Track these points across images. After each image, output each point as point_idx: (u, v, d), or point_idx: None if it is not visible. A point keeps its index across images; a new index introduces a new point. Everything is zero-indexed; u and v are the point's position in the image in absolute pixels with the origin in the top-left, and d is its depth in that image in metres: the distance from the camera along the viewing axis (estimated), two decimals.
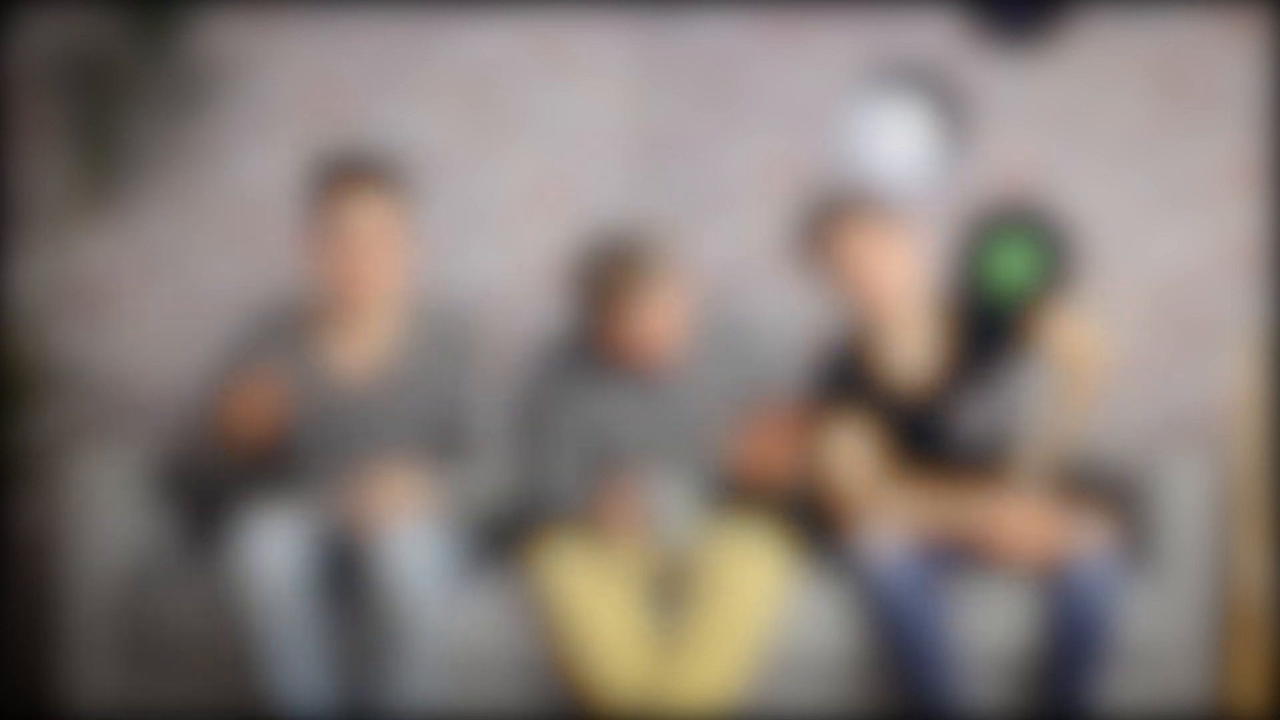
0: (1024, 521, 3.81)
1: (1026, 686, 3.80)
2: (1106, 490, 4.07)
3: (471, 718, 3.83)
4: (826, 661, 3.83)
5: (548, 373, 4.00)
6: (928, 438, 3.93)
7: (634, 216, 4.33)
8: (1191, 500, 3.94)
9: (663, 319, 3.89)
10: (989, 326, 3.96)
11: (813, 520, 4.02)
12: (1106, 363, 3.99)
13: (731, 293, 4.35)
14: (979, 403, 3.92)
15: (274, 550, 3.67)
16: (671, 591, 3.83)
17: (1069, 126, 4.52)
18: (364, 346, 3.90)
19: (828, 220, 3.91)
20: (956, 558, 3.83)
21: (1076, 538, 3.80)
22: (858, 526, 3.87)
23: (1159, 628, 3.86)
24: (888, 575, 3.75)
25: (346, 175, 3.84)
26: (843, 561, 3.90)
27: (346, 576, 3.78)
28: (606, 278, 3.86)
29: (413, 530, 3.71)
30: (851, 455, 3.93)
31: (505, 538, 4.05)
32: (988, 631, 3.82)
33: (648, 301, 3.86)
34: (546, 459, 3.95)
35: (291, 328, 3.91)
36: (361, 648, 3.75)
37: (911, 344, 3.95)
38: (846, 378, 3.96)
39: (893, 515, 3.84)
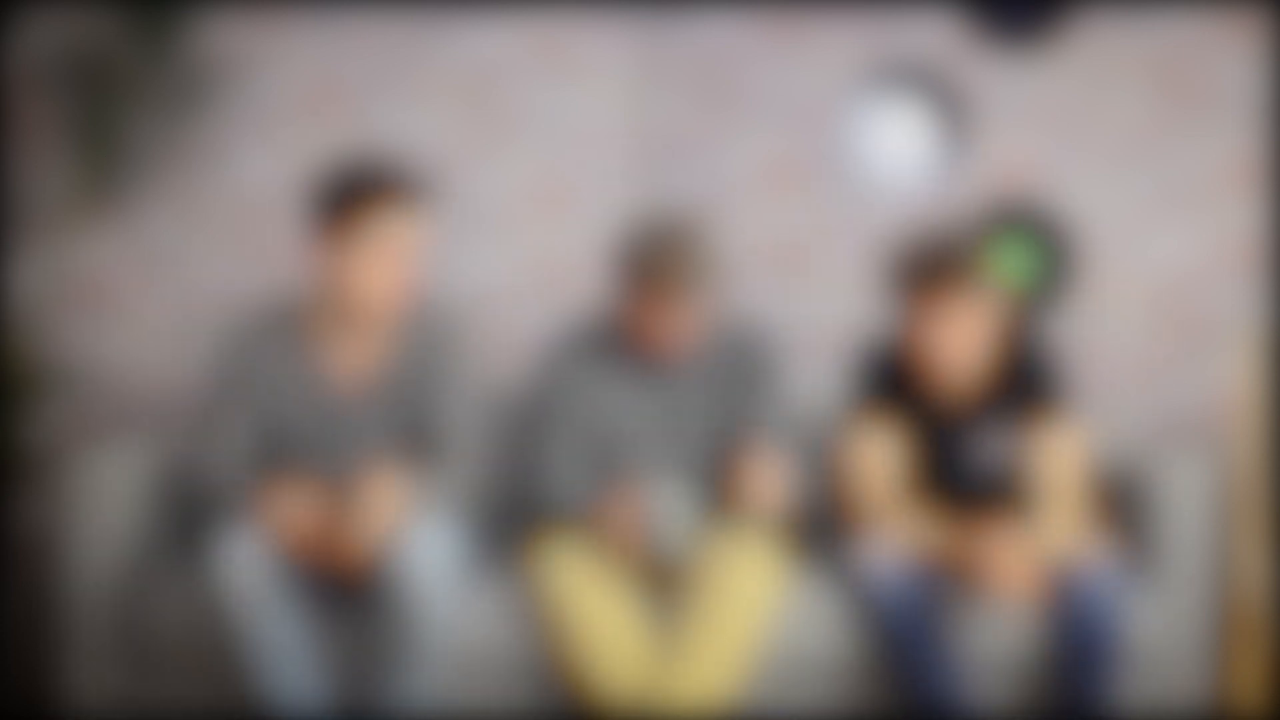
0: (1016, 555, 3.76)
1: (1037, 693, 3.79)
2: (1106, 491, 4.07)
3: (471, 718, 3.83)
4: (826, 663, 3.83)
5: (558, 358, 3.99)
6: (949, 457, 3.92)
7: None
8: (1191, 500, 3.94)
9: (695, 314, 3.88)
10: (1030, 367, 3.94)
11: (819, 520, 4.02)
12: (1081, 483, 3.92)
13: (729, 292, 4.35)
14: (998, 434, 3.92)
15: (256, 552, 3.67)
16: (671, 592, 3.83)
17: (1069, 126, 4.52)
18: (360, 352, 3.89)
19: (912, 278, 3.84)
20: (951, 576, 3.82)
21: (1083, 544, 3.80)
22: (863, 531, 3.87)
23: (1159, 629, 3.86)
24: (885, 583, 3.75)
25: (379, 188, 3.78)
26: (843, 566, 3.90)
27: (347, 574, 3.78)
28: (660, 262, 3.84)
29: (420, 527, 3.71)
30: (877, 458, 3.92)
31: (505, 537, 4.05)
32: (997, 638, 3.82)
33: (690, 294, 3.84)
34: (550, 449, 3.95)
35: (285, 331, 3.89)
36: (362, 647, 3.76)
37: (964, 366, 3.92)
38: (892, 379, 3.93)
39: (897, 529, 3.82)
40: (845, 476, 3.94)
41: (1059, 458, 3.89)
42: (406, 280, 3.81)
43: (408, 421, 3.87)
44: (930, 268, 3.83)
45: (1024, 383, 3.92)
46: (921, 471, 3.93)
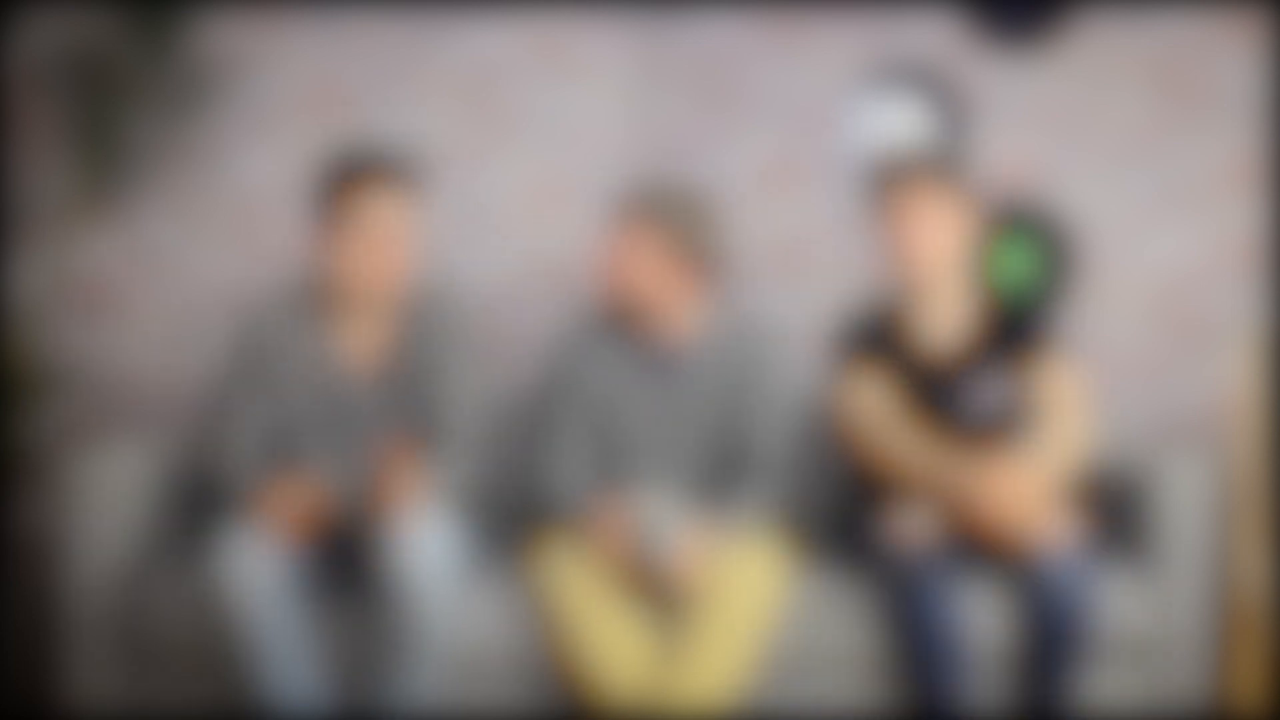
0: (1013, 491, 3.82)
1: (1008, 681, 3.80)
2: (1106, 490, 4.07)
3: (471, 718, 3.83)
4: (837, 659, 3.83)
5: (566, 349, 4.01)
6: (945, 405, 3.94)
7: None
8: (1191, 500, 3.95)
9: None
10: (1011, 317, 4.02)
11: (825, 516, 4.03)
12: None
13: (729, 291, 4.35)
14: (993, 382, 3.94)
15: (258, 550, 3.68)
16: (668, 595, 3.82)
17: (1069, 126, 4.52)
18: (365, 338, 3.92)
19: (886, 181, 3.99)
20: (963, 549, 3.83)
21: (1053, 530, 3.81)
22: (882, 496, 3.89)
23: (1160, 626, 3.86)
24: (912, 571, 3.75)
25: (366, 170, 3.87)
26: (859, 554, 3.90)
27: (349, 573, 3.78)
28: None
29: (422, 525, 3.72)
30: (875, 406, 3.94)
31: (506, 535, 4.05)
32: (972, 626, 3.81)
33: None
34: (555, 440, 3.95)
35: (295, 316, 3.92)
36: (363, 646, 3.76)
37: (945, 314, 3.99)
38: (876, 338, 3.99)
39: (911, 497, 3.84)
40: (848, 429, 3.97)
41: (1055, 387, 3.97)
42: (400, 261, 3.87)
43: (411, 410, 3.88)
44: (892, 170, 4.02)
45: (1010, 330, 4.00)
46: (923, 418, 3.95)
